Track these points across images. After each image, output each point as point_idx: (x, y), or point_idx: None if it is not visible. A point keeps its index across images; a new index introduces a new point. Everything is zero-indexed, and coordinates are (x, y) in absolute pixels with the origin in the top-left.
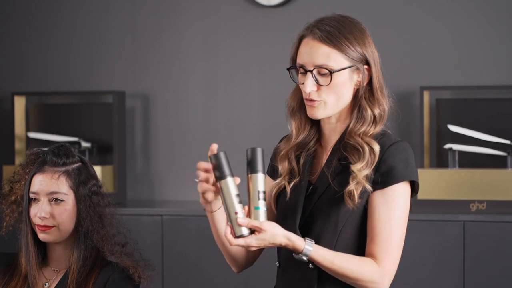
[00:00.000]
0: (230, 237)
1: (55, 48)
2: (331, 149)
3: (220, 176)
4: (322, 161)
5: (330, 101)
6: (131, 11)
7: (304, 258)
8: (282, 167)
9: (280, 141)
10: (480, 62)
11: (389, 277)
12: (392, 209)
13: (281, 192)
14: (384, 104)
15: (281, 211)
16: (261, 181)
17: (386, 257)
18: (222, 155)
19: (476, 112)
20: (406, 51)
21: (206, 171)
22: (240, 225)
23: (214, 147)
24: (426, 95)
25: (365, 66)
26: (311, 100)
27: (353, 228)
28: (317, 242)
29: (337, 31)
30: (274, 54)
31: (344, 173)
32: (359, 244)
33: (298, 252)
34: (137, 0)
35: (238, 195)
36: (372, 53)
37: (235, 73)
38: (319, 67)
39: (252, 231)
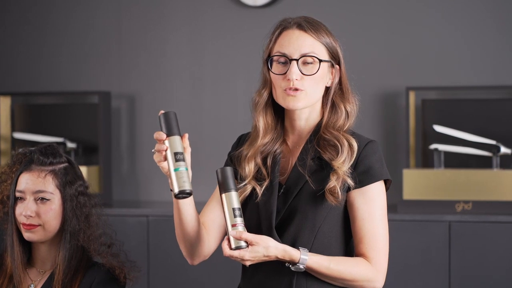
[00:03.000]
0: (226, 247)
1: (41, 48)
2: (300, 148)
3: (224, 189)
4: (290, 161)
5: (311, 92)
6: (117, 11)
7: (302, 267)
8: (248, 169)
9: (236, 144)
10: (466, 63)
11: (382, 273)
12: (374, 208)
13: (248, 195)
14: (354, 101)
15: (253, 213)
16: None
17: (377, 255)
18: (229, 169)
19: (461, 112)
20: (391, 52)
21: (160, 141)
22: (235, 238)
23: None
24: (412, 96)
25: (337, 66)
26: (294, 89)
27: (330, 226)
28: (294, 242)
29: (319, 26)
30: (260, 54)
31: (320, 171)
32: (336, 242)
33: (294, 262)
34: (123, 0)
35: (239, 209)
36: (342, 54)
37: (221, 74)
38: (306, 55)
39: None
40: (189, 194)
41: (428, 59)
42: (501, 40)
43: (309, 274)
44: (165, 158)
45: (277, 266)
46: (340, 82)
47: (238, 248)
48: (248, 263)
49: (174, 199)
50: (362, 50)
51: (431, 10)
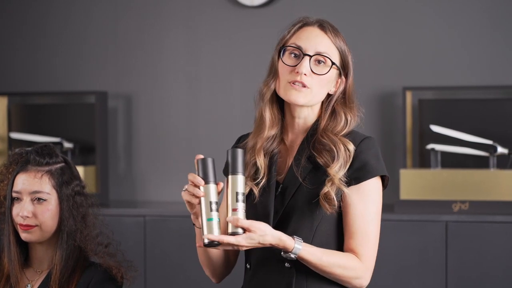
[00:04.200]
0: (219, 235)
1: (37, 48)
2: (297, 147)
3: (231, 171)
4: (288, 160)
5: (315, 91)
6: (114, 11)
7: (293, 256)
8: (259, 162)
9: (237, 142)
10: (462, 63)
11: (370, 271)
12: (368, 204)
13: (247, 195)
14: (356, 111)
15: (251, 213)
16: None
17: (366, 252)
18: (240, 151)
19: (458, 112)
20: (388, 52)
21: (194, 185)
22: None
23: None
24: (409, 96)
25: (343, 78)
26: (300, 84)
27: (328, 225)
28: None
29: (338, 33)
30: (257, 54)
31: (314, 172)
32: (334, 240)
33: (287, 251)
34: (120, 1)
35: (243, 194)
36: (352, 67)
37: (218, 73)
38: (320, 54)
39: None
40: (218, 244)
41: (424, 59)
42: (497, 40)
43: (309, 274)
44: (198, 202)
45: (277, 266)
46: (344, 92)
47: (234, 233)
48: (243, 249)
49: (197, 229)
50: (359, 50)
51: (428, 10)
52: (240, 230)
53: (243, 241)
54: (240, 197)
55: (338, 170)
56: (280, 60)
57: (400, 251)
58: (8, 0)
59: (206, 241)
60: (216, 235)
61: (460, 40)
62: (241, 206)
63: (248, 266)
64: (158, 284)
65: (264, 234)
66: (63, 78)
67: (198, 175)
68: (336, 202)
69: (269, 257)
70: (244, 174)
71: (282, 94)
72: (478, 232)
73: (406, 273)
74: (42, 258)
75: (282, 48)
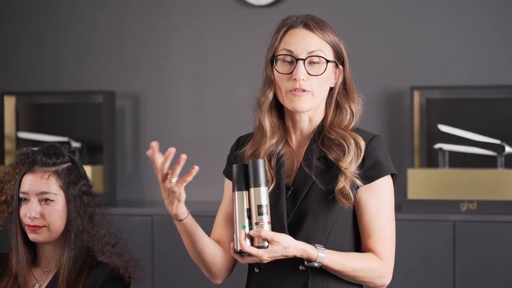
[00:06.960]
0: (244, 242)
1: (45, 48)
2: (304, 149)
3: (254, 184)
4: (295, 162)
5: (317, 93)
6: (121, 11)
7: (316, 265)
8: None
9: (236, 146)
10: (470, 62)
11: (391, 268)
12: (382, 203)
13: None
14: (358, 101)
15: None
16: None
17: (385, 251)
18: (261, 162)
19: (466, 112)
20: (396, 51)
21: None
22: (254, 236)
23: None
24: (417, 95)
25: (340, 67)
26: (301, 90)
27: (341, 225)
28: (306, 243)
29: (325, 26)
30: (264, 54)
31: (327, 171)
32: (348, 241)
33: (311, 260)
34: (127, 1)
35: (266, 206)
36: (346, 54)
37: (225, 73)
38: (313, 55)
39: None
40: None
41: (432, 59)
42: (505, 39)
43: (324, 274)
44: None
45: (291, 269)
46: (344, 82)
47: (260, 247)
48: (265, 261)
49: (179, 225)
50: (366, 49)
51: (436, 10)
52: (266, 243)
53: (266, 254)
54: (264, 210)
55: (350, 163)
56: (274, 70)
57: (408, 250)
58: (15, 0)
59: (238, 248)
60: (247, 245)
61: (468, 40)
62: (265, 219)
63: (257, 270)
64: (165, 283)
65: (287, 246)
66: (70, 77)
67: (233, 178)
68: (352, 196)
69: (282, 260)
70: (266, 185)
71: (287, 105)
72: (485, 232)
73: (413, 272)
74: (50, 258)
75: (273, 58)
